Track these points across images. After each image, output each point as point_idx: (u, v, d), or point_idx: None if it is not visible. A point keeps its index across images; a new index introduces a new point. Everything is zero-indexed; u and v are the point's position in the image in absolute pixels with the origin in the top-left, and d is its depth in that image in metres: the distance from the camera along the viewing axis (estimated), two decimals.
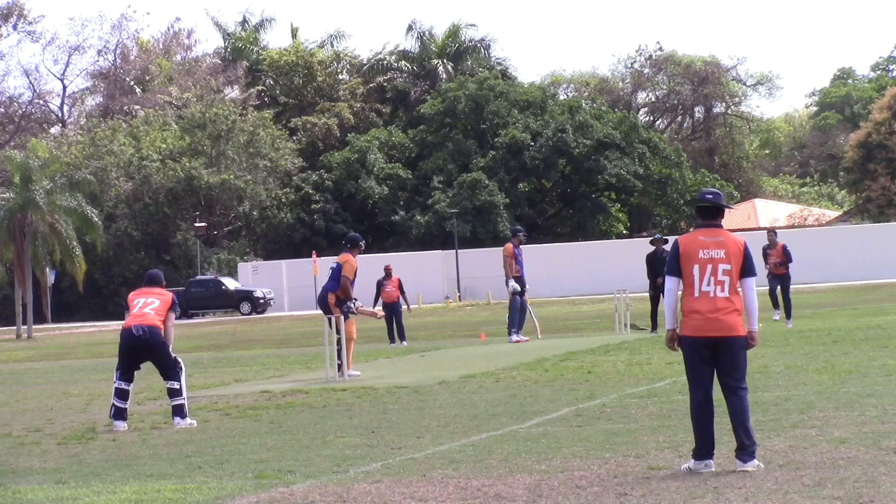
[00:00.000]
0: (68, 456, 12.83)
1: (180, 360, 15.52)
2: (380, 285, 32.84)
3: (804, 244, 65.56)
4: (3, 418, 17.27)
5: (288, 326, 49.93)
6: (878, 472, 9.39)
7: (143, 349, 15.31)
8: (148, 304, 15.40)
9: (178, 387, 15.13)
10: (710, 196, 10.17)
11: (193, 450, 12.74)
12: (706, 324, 9.91)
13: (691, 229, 10.26)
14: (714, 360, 9.96)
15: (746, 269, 10.08)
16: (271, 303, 66.88)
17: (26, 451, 13.45)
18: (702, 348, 9.94)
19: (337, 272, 20.98)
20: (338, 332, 20.30)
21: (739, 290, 10.06)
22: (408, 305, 32.90)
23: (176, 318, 15.70)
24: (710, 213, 10.15)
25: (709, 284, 9.94)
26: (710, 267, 9.95)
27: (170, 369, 15.22)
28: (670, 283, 10.16)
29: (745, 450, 9.81)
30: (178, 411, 15.11)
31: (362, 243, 21.77)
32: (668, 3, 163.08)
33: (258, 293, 66.38)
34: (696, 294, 9.96)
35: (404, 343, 30.91)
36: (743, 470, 9.68)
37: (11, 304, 59.83)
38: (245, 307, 65.88)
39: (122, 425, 14.98)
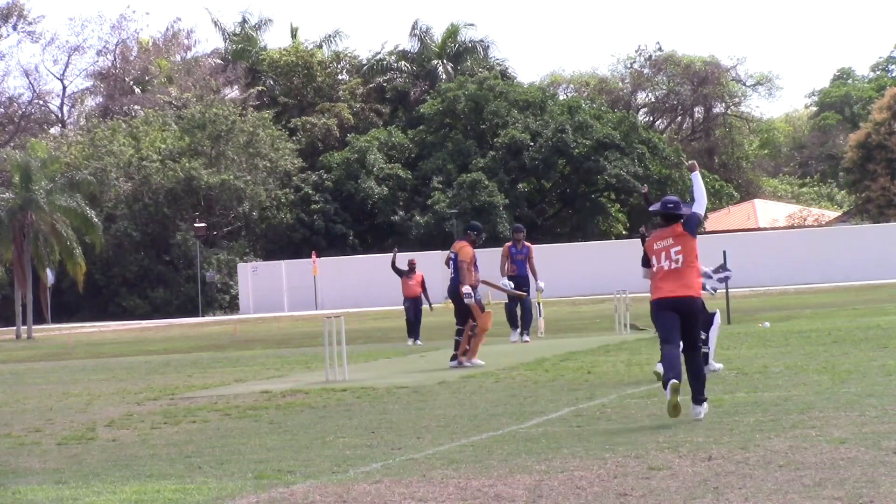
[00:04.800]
0: (68, 456, 12.82)
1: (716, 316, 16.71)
2: (400, 272, 31.30)
3: (804, 244, 65.80)
4: (3, 418, 17.26)
5: (288, 327, 49.91)
6: (878, 472, 9.38)
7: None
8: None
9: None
10: (671, 205, 13.04)
11: (193, 450, 12.75)
12: (671, 289, 12.80)
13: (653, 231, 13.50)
14: (679, 316, 12.79)
15: (691, 230, 12.96)
16: None
17: (26, 451, 13.45)
18: (667, 307, 12.79)
19: (456, 261, 21.39)
20: (472, 319, 21.19)
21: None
22: (430, 304, 31.83)
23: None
24: (667, 219, 13.12)
25: (667, 259, 12.92)
26: (664, 253, 12.91)
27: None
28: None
29: (697, 398, 12.60)
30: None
31: (473, 233, 21.87)
32: (668, 3, 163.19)
33: None
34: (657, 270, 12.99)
35: (418, 342, 30.25)
36: (697, 418, 12.40)
37: (11, 304, 59.80)
38: None
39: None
